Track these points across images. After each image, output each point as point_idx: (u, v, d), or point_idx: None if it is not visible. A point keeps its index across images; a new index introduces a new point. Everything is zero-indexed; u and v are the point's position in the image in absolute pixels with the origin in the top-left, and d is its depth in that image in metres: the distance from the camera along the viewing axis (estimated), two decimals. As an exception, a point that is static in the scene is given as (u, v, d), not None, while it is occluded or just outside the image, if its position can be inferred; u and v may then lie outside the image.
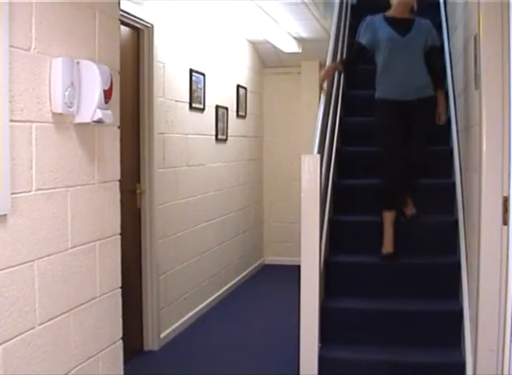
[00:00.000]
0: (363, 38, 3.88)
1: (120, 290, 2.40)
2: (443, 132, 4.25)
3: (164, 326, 4.42)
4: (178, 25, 4.63)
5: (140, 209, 4.18)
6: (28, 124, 1.82)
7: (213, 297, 5.44)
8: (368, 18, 3.91)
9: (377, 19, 3.88)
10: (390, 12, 3.89)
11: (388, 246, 3.75)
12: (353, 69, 4.17)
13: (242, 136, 6.42)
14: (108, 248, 2.31)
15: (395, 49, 3.75)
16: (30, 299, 1.84)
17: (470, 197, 3.27)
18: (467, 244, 3.42)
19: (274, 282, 6.39)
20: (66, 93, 1.94)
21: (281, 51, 6.66)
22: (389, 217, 3.78)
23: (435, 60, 3.89)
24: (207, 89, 5.21)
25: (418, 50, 3.76)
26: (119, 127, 2.37)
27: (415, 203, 3.94)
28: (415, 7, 3.92)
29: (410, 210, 3.92)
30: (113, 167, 2.36)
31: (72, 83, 1.97)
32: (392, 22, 3.82)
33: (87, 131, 2.14)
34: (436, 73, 3.87)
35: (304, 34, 6.25)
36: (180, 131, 4.71)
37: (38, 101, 1.86)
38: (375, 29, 3.83)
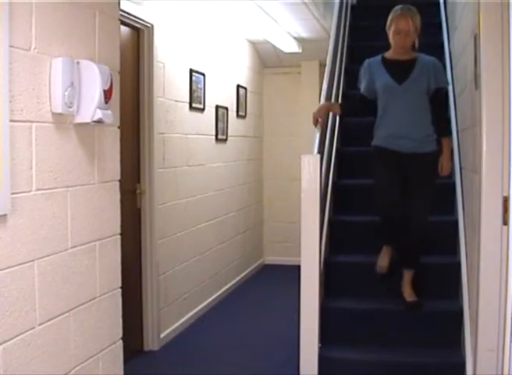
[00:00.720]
0: (361, 86, 3.63)
1: (120, 290, 2.40)
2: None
3: (164, 326, 4.42)
4: (178, 25, 4.63)
5: (140, 209, 4.18)
6: (28, 124, 1.82)
7: (213, 297, 5.44)
8: (366, 63, 3.63)
9: (374, 62, 3.58)
10: (389, 54, 3.57)
11: (383, 261, 3.57)
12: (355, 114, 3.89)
13: (242, 136, 6.42)
14: (108, 248, 2.31)
15: (392, 98, 3.45)
16: (30, 299, 1.84)
17: (470, 197, 3.27)
18: (467, 244, 3.42)
19: (274, 282, 6.39)
20: (66, 93, 1.94)
21: (281, 51, 6.66)
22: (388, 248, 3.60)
23: (440, 105, 3.54)
24: (207, 89, 5.21)
25: (419, 95, 3.43)
26: (119, 127, 2.37)
27: (416, 288, 3.51)
28: (417, 44, 3.54)
29: (410, 297, 3.48)
30: (113, 167, 2.36)
31: (72, 83, 1.97)
32: (390, 65, 3.51)
33: (87, 131, 2.14)
34: (441, 119, 3.52)
35: (304, 34, 6.25)
36: (180, 131, 4.71)
37: (38, 101, 1.86)
38: (371, 75, 3.55)
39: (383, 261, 3.57)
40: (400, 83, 3.43)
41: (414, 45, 3.52)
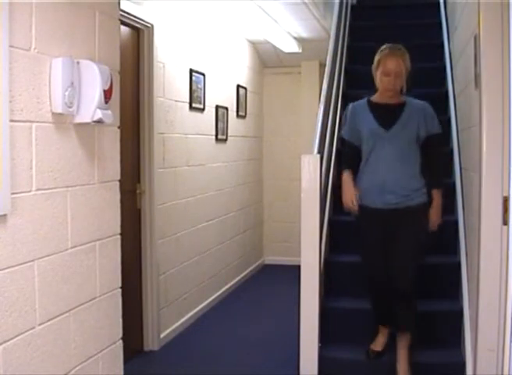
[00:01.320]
0: (345, 133, 3.34)
1: (120, 290, 2.40)
2: (443, 132, 4.24)
3: (164, 326, 4.42)
4: (178, 25, 4.63)
5: (140, 209, 4.18)
6: (28, 124, 1.82)
7: (213, 297, 5.44)
8: (350, 106, 3.33)
9: (360, 106, 3.28)
10: (376, 97, 3.27)
11: (378, 344, 3.34)
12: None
13: (242, 136, 6.42)
14: (108, 248, 2.31)
15: (377, 146, 3.15)
16: (30, 299, 1.84)
17: (470, 197, 3.27)
18: (467, 245, 3.42)
19: (274, 282, 6.39)
20: (66, 93, 1.94)
21: (281, 51, 6.66)
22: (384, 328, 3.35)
23: (433, 154, 3.20)
24: (207, 89, 5.20)
25: (408, 143, 3.13)
26: (119, 127, 2.37)
27: (411, 361, 3.18)
28: (404, 88, 3.22)
29: (403, 371, 3.14)
30: (113, 167, 2.36)
31: (72, 83, 1.97)
32: (376, 109, 3.21)
33: (87, 131, 2.14)
34: (434, 171, 3.20)
35: (304, 34, 6.25)
36: (180, 131, 4.71)
37: (38, 101, 1.86)
38: (356, 120, 3.25)
39: (377, 344, 3.33)
40: (386, 129, 3.14)
41: (401, 90, 3.21)
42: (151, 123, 4.19)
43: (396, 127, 3.13)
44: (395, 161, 3.12)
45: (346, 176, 3.21)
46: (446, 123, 4.22)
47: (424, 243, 3.21)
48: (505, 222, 2.51)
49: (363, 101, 3.29)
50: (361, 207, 3.18)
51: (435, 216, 3.17)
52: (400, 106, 3.19)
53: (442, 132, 3.28)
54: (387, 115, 3.16)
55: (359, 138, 3.23)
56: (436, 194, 3.16)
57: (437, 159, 3.24)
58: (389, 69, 3.13)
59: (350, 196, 3.15)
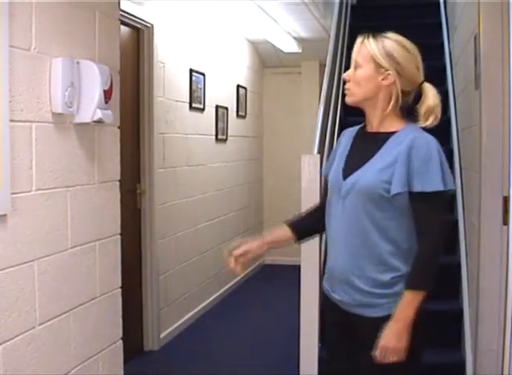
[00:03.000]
0: (324, 168, 2.30)
1: (120, 290, 2.40)
2: (443, 132, 4.25)
3: (164, 326, 4.42)
4: (178, 25, 4.63)
5: (140, 209, 4.18)
6: (28, 124, 1.82)
7: (213, 297, 5.44)
8: (342, 133, 2.12)
9: (348, 134, 2.06)
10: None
11: None
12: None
13: (242, 136, 6.42)
14: (108, 248, 2.31)
15: (333, 203, 1.96)
16: (30, 299, 1.84)
17: (470, 197, 3.27)
18: (467, 244, 3.42)
19: (274, 282, 6.38)
20: (66, 93, 1.94)
21: (281, 51, 6.66)
22: None
23: (417, 225, 1.82)
24: (207, 89, 5.20)
25: (374, 205, 1.82)
26: (119, 127, 2.37)
27: None
28: (394, 103, 1.87)
29: None
30: (113, 167, 2.36)
31: (72, 83, 1.97)
32: (357, 142, 2.00)
33: (87, 131, 2.14)
34: (417, 254, 1.85)
35: (304, 34, 6.25)
36: (180, 131, 4.71)
37: (38, 101, 1.87)
38: (335, 153, 2.06)
39: None
40: (345, 176, 1.91)
41: (406, 109, 1.92)
42: (151, 123, 4.19)
43: (357, 174, 1.87)
44: (349, 232, 1.88)
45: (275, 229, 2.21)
46: (446, 123, 4.22)
47: None
48: (505, 222, 2.51)
49: (356, 128, 2.06)
50: (323, 294, 2.11)
51: (385, 339, 1.78)
52: (383, 139, 1.87)
53: (444, 190, 1.79)
54: (362, 152, 1.92)
55: None
56: (406, 301, 1.80)
57: (423, 236, 1.82)
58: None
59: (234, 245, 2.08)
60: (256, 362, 4.08)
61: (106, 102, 2.12)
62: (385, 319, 1.80)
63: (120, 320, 2.42)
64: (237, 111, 6.20)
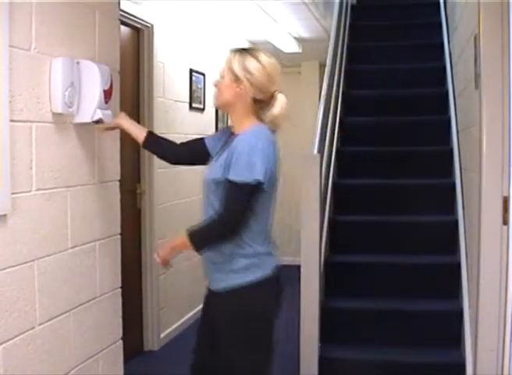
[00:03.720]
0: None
1: (120, 290, 2.40)
2: (443, 132, 4.25)
3: (164, 326, 4.42)
4: (178, 25, 4.63)
5: (140, 209, 4.18)
6: (28, 124, 1.82)
7: (213, 297, 5.43)
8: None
9: (226, 132, 2.32)
10: None
11: None
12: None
13: (242, 136, 6.41)
14: (108, 248, 2.31)
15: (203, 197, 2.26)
16: (30, 299, 1.84)
17: (470, 197, 3.27)
18: (467, 244, 3.42)
19: (274, 282, 6.38)
20: (66, 93, 1.94)
21: (281, 51, 6.66)
22: None
23: (222, 202, 2.07)
24: (207, 89, 5.20)
25: (214, 194, 2.13)
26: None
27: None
28: (230, 106, 2.20)
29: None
30: (113, 167, 2.36)
31: (72, 83, 1.97)
32: (226, 141, 2.25)
33: (87, 131, 2.14)
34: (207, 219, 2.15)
35: (304, 34, 6.25)
36: (180, 131, 4.71)
37: (38, 101, 1.87)
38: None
39: None
40: (206, 174, 2.22)
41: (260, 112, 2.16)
42: (151, 123, 4.19)
43: (207, 171, 2.20)
44: (206, 214, 2.22)
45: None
46: (446, 123, 4.22)
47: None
48: (505, 222, 2.51)
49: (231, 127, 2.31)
50: None
51: (168, 246, 2.28)
52: (234, 139, 2.14)
53: (248, 183, 2.01)
54: (223, 151, 2.18)
55: None
56: (181, 237, 2.24)
57: (221, 212, 2.08)
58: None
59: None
60: (256, 362, 4.07)
61: (106, 102, 2.12)
62: (228, 292, 2.11)
63: (120, 320, 2.42)
64: (237, 111, 6.19)
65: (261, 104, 2.15)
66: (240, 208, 2.06)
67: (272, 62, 2.14)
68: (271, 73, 2.12)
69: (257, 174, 2.00)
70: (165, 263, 2.26)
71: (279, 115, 2.17)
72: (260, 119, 2.16)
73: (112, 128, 2.26)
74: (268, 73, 2.11)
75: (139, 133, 2.32)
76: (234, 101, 2.15)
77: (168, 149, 2.42)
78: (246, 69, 2.10)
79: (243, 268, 2.10)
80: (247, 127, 2.13)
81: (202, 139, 2.33)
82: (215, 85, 2.23)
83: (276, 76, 2.15)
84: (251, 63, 2.10)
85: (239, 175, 2.01)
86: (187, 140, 2.46)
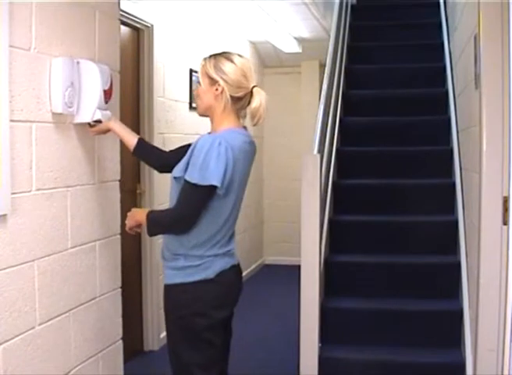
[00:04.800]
0: None
1: (120, 290, 2.40)
2: (443, 132, 4.25)
3: (164, 326, 4.41)
4: (178, 25, 4.63)
5: (140, 209, 4.18)
6: (28, 124, 1.82)
7: (213, 297, 5.43)
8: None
9: None
10: None
11: None
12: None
13: (242, 136, 6.41)
14: (108, 248, 2.31)
15: None
16: (30, 299, 1.84)
17: (470, 197, 3.27)
18: (467, 244, 3.42)
19: (274, 282, 6.38)
20: (66, 93, 1.94)
21: (281, 51, 6.66)
22: None
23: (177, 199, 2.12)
24: (207, 89, 5.20)
25: (174, 189, 2.18)
26: (119, 127, 2.36)
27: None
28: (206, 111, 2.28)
29: None
30: (113, 167, 2.36)
31: (72, 83, 1.97)
32: None
33: (87, 131, 2.14)
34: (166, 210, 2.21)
35: (304, 34, 6.26)
36: (180, 131, 4.71)
37: (38, 101, 1.87)
38: None
39: None
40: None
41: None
42: (151, 123, 4.19)
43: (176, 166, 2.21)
44: None
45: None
46: (446, 123, 4.22)
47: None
48: (505, 222, 2.51)
49: None
50: None
51: (130, 218, 2.19)
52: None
53: (198, 184, 2.05)
54: None
55: None
56: (144, 217, 2.13)
57: (174, 206, 2.12)
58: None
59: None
60: (256, 362, 4.07)
61: (106, 102, 2.13)
62: (171, 287, 2.16)
63: (120, 320, 2.42)
64: (237, 111, 6.20)
65: (240, 102, 2.24)
66: (190, 207, 2.10)
67: (245, 60, 2.24)
68: (244, 70, 2.21)
69: (211, 178, 2.04)
70: (132, 231, 2.25)
71: (259, 107, 2.27)
72: (239, 118, 2.28)
73: (104, 132, 2.25)
74: (241, 70, 2.19)
75: (130, 139, 2.31)
76: (214, 104, 2.20)
77: (157, 158, 2.46)
78: (220, 70, 2.16)
79: (182, 268, 2.14)
80: (219, 130, 2.19)
81: (190, 145, 2.29)
82: (196, 94, 2.27)
83: (250, 72, 2.24)
84: (224, 64, 2.17)
85: (192, 175, 2.06)
86: (176, 147, 2.46)
